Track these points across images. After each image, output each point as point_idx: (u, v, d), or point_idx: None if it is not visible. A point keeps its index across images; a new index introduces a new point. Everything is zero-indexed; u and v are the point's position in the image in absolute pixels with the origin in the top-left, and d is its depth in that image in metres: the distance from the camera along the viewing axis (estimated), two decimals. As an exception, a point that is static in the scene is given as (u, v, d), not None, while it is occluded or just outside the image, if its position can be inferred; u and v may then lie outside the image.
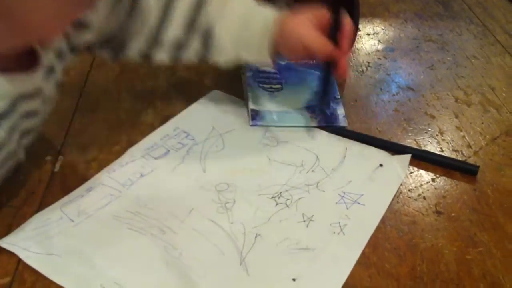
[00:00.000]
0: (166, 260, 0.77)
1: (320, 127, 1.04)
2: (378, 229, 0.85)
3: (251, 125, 1.03)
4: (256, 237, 0.82)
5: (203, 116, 1.05)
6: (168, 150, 0.96)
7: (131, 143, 0.97)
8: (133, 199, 0.86)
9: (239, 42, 0.94)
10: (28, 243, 0.78)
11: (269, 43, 0.93)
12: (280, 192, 0.90)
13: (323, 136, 1.03)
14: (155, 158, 0.94)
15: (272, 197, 0.89)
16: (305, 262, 0.79)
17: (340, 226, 0.85)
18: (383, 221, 0.87)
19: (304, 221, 0.85)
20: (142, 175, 0.91)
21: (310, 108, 1.07)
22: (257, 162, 0.96)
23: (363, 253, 0.81)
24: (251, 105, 1.06)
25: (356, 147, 1.00)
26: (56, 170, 0.91)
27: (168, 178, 0.91)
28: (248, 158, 0.96)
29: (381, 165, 0.96)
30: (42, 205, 0.84)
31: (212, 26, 0.93)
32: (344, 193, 0.91)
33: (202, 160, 0.95)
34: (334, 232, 0.84)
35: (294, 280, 0.76)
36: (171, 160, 0.94)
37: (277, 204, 0.88)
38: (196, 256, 0.79)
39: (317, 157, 0.98)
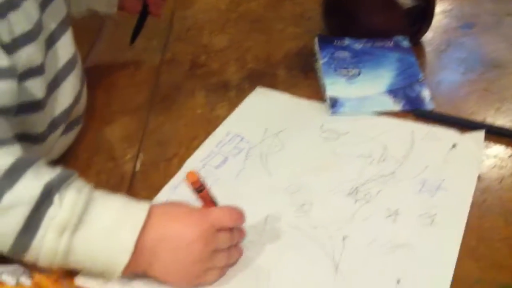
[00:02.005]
0: (254, 279, 0.73)
1: (406, 111, 1.00)
2: (483, 217, 0.81)
3: (331, 114, 0.99)
4: (343, 239, 0.77)
5: (252, 117, 1.01)
6: (227, 157, 0.92)
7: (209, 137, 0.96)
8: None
9: None
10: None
11: None
12: (356, 187, 0.85)
13: (384, 122, 0.98)
14: (215, 168, 0.90)
15: (349, 194, 0.84)
16: (404, 260, 0.75)
17: (429, 217, 0.80)
18: (488, 208, 0.82)
19: (390, 216, 0.81)
20: (206, 187, 0.87)
21: (392, 92, 1.03)
22: (322, 158, 0.91)
23: (470, 245, 0.77)
24: (329, 92, 1.02)
25: (423, 129, 0.96)
26: (137, 169, 0.91)
27: (234, 186, 0.87)
28: (312, 155, 0.92)
29: (454, 146, 0.92)
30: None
31: None
32: (425, 180, 0.86)
33: (264, 163, 0.91)
34: (425, 224, 0.79)
35: (398, 282, 0.72)
36: (232, 167, 0.90)
37: (356, 201, 0.83)
38: (286, 269, 0.74)
39: (384, 145, 0.93)
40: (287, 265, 0.75)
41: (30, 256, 0.65)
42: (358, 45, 1.11)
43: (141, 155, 0.93)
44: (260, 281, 0.73)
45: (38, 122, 0.82)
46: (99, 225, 0.66)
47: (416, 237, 0.77)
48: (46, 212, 0.63)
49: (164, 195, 0.85)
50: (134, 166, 0.91)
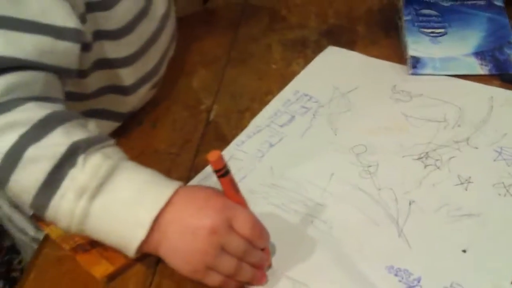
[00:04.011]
0: (316, 237, 0.73)
1: (492, 75, 0.94)
2: None
3: (410, 74, 0.95)
4: (410, 204, 0.75)
5: (322, 76, 0.98)
6: (293, 116, 0.90)
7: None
8: (267, 171, 0.82)
9: None
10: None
11: None
12: (427, 152, 0.82)
13: (462, 85, 0.93)
14: (281, 126, 0.89)
15: (419, 158, 0.81)
16: (473, 230, 0.72)
17: (505, 187, 0.76)
18: None
19: (461, 183, 0.77)
20: (271, 145, 0.86)
21: (479, 54, 0.97)
22: (392, 120, 0.88)
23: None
24: (411, 52, 0.97)
25: (503, 95, 0.90)
26: (210, 119, 0.93)
27: (299, 145, 0.86)
28: (382, 117, 0.89)
29: (536, 113, 0.87)
30: (198, 153, 0.87)
31: None
32: (501, 148, 0.82)
33: (331, 122, 0.88)
34: (499, 194, 0.76)
35: (464, 251, 0.70)
36: (298, 126, 0.89)
37: (425, 166, 0.80)
38: (348, 228, 0.73)
39: (460, 109, 0.88)
40: (348, 222, 0.74)
41: (49, 215, 0.64)
42: (446, 3, 1.05)
43: (215, 106, 0.95)
44: (320, 231, 0.73)
45: (128, 76, 0.84)
46: (120, 195, 0.64)
47: (488, 207, 0.74)
48: (68, 172, 0.62)
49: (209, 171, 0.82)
50: (208, 116, 0.93)
